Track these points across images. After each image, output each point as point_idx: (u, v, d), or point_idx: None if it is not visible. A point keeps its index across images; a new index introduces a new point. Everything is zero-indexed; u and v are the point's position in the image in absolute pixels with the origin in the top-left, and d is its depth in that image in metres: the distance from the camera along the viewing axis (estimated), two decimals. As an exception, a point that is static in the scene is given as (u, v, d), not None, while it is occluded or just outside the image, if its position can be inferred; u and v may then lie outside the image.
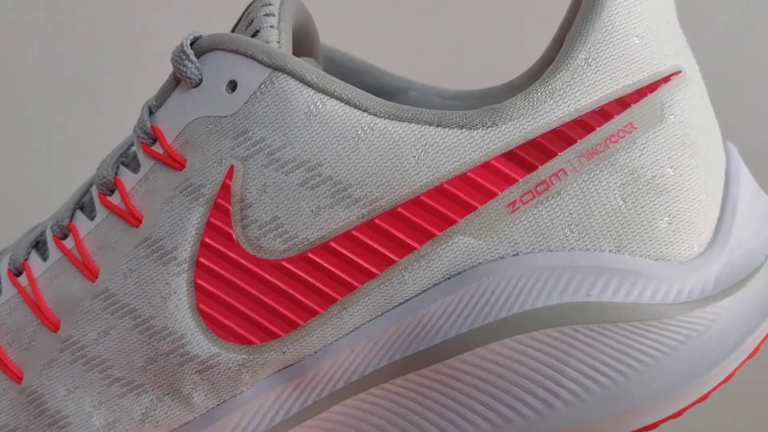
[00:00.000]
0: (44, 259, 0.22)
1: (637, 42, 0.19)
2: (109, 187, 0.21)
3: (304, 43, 0.24)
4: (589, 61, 0.19)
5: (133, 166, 0.21)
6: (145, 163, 0.21)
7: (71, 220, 0.22)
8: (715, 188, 0.20)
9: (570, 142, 0.19)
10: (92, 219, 0.22)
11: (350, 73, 0.27)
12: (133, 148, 0.22)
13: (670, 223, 0.19)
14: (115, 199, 0.21)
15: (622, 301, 0.18)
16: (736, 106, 0.37)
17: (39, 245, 0.23)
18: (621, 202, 0.19)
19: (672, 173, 0.19)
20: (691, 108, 0.20)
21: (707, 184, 0.20)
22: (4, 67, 0.40)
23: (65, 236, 0.22)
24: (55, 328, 0.21)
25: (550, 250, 0.19)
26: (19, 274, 0.22)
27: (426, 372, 0.19)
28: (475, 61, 0.39)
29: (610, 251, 0.19)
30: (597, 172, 0.19)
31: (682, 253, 0.19)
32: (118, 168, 0.22)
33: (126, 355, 0.20)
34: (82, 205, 0.22)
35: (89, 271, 0.20)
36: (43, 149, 0.41)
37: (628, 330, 0.18)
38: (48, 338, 0.21)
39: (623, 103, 0.19)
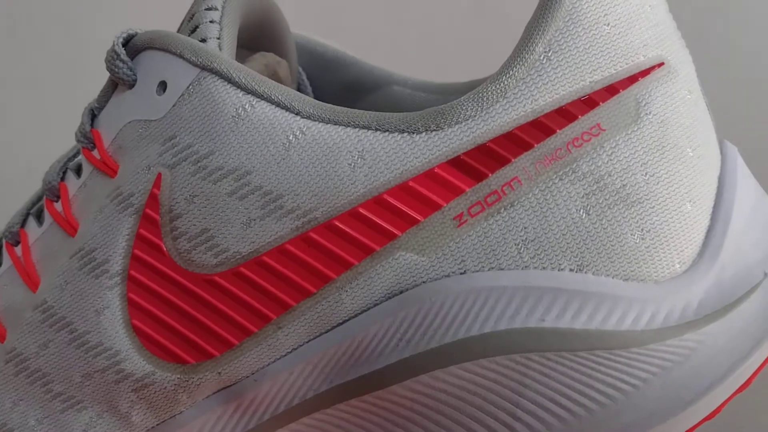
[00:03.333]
0: (-1, 266, 0.21)
1: (609, 31, 0.17)
2: (55, 192, 0.21)
3: (265, 36, 0.22)
4: (549, 54, 0.17)
5: (79, 171, 0.20)
6: (86, 168, 0.20)
7: (22, 226, 0.21)
8: (704, 196, 0.17)
9: (525, 147, 0.17)
10: (40, 225, 0.21)
11: (329, 65, 0.25)
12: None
13: (642, 238, 0.17)
14: (59, 206, 0.20)
15: (583, 327, 0.16)
16: (738, 101, 0.33)
17: (-2, 251, 0.22)
18: (584, 214, 0.17)
19: (646, 181, 0.17)
20: (674, 105, 0.17)
21: (692, 192, 0.17)
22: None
23: (17, 243, 0.21)
24: (2, 338, 0.20)
25: (501, 269, 0.17)
26: (-28, 280, 0.22)
27: (369, 398, 0.18)
28: (467, 51, 0.37)
29: (570, 270, 0.17)
30: (556, 181, 0.17)
31: (659, 272, 0.17)
32: (65, 173, 0.21)
33: (65, 370, 0.19)
34: (37, 211, 0.22)
35: (31, 281, 0.20)
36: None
37: (590, 360, 0.16)
38: (-6, 349, 0.20)
39: (590, 101, 0.17)
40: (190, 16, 0.19)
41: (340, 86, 0.25)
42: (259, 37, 0.22)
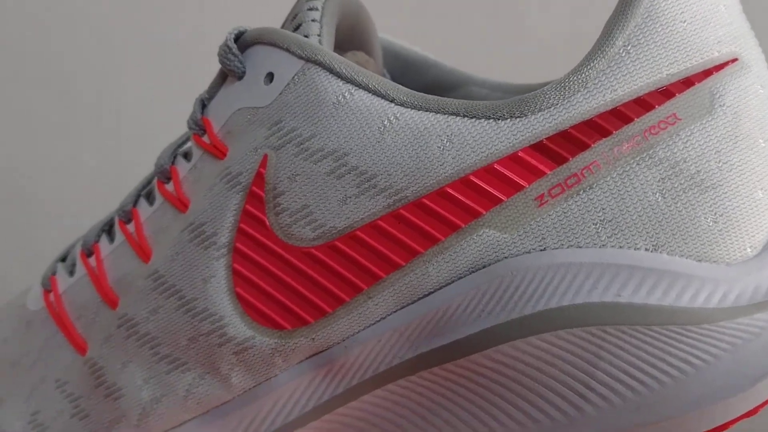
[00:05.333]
0: (111, 241, 0.24)
1: (685, 27, 0.18)
2: (166, 175, 0.23)
3: (356, 37, 0.24)
4: (628, 48, 0.18)
5: (188, 156, 0.23)
6: (196, 152, 0.22)
7: (134, 206, 0.24)
8: (777, 185, 0.18)
9: (604, 133, 0.18)
10: (151, 205, 0.23)
11: (412, 66, 0.27)
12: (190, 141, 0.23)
13: (715, 222, 0.18)
14: (170, 186, 0.22)
15: (657, 303, 0.17)
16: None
17: (109, 229, 0.25)
18: (660, 197, 0.18)
19: (719, 168, 0.18)
20: (746, 98, 0.18)
21: (764, 181, 0.18)
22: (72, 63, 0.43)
23: (129, 221, 0.23)
24: (114, 305, 0.22)
25: (580, 247, 0.18)
26: (90, 255, 0.24)
27: (451, 366, 0.19)
28: (542, 52, 0.38)
29: (646, 249, 0.18)
30: (633, 166, 0.18)
31: (730, 254, 0.18)
32: (175, 158, 0.23)
33: (172, 333, 0.21)
34: (147, 192, 0.24)
35: (143, 253, 0.22)
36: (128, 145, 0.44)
37: (663, 334, 0.17)
38: (108, 315, 0.22)
39: (666, 92, 0.18)
40: (294, 15, 0.21)
41: (421, 86, 0.26)
42: (350, 38, 0.24)
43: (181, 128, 0.24)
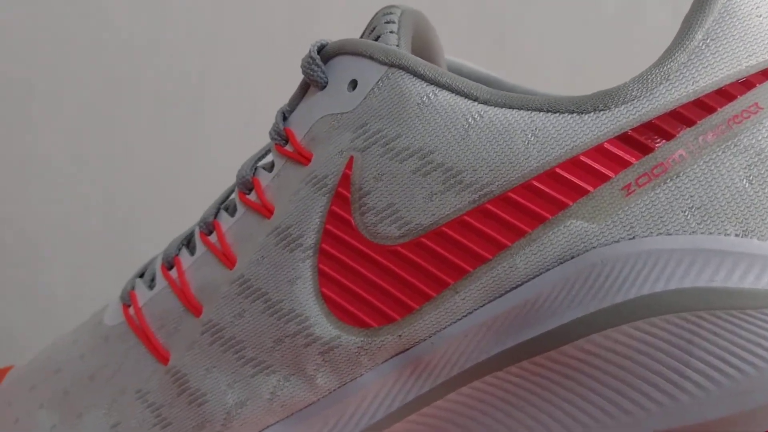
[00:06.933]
0: (192, 253, 0.24)
1: (761, 22, 0.19)
2: (248, 186, 0.23)
3: (424, 55, 0.25)
4: (708, 41, 0.18)
5: (268, 166, 0.23)
6: (278, 162, 0.23)
7: (215, 218, 0.24)
8: None
9: (689, 123, 0.18)
10: (233, 216, 0.24)
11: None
12: (269, 154, 0.24)
13: (805, 206, 0.18)
14: (252, 196, 0.23)
15: (751, 287, 0.17)
16: None
17: (189, 243, 0.25)
18: (747, 184, 0.18)
19: (805, 153, 0.18)
20: (826, 86, 0.18)
21: None
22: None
23: (210, 232, 0.24)
24: (198, 313, 0.23)
25: (669, 234, 0.18)
26: (170, 267, 0.25)
27: (540, 360, 0.19)
28: (604, 67, 0.39)
29: (736, 235, 0.18)
30: (719, 154, 0.18)
31: (823, 239, 0.18)
32: (255, 169, 0.24)
33: (257, 336, 0.21)
34: (226, 205, 0.25)
35: (228, 260, 0.22)
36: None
37: (758, 318, 0.17)
38: (191, 322, 0.23)
39: (747, 83, 0.18)
40: (372, 27, 0.22)
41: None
42: (420, 55, 0.25)
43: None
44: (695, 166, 0.18)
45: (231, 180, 0.25)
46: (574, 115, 0.19)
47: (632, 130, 0.18)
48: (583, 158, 0.18)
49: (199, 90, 0.45)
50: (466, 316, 0.20)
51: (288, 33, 0.41)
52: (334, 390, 0.21)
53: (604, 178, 0.18)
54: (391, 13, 0.22)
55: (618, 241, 0.18)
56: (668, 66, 0.18)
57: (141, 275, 0.26)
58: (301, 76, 0.23)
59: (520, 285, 0.19)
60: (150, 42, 0.44)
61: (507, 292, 0.19)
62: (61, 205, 0.45)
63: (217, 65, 0.44)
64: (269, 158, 0.24)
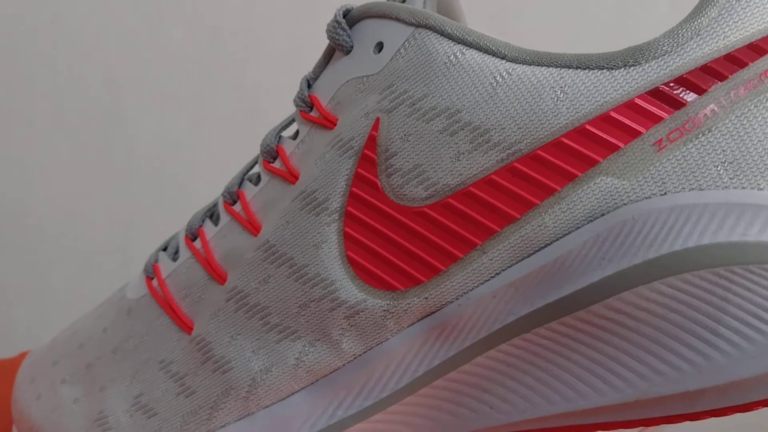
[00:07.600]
0: (216, 224, 0.24)
1: (794, -26, 0.18)
2: (272, 154, 0.23)
3: (449, 17, 0.25)
4: (739, -5, 0.18)
5: (293, 135, 0.23)
6: (303, 128, 0.23)
7: (239, 187, 0.24)
8: None
9: (720, 78, 0.18)
10: (256, 184, 0.24)
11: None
12: (294, 122, 0.24)
13: (840, 160, 0.17)
14: (276, 164, 0.23)
15: (786, 241, 0.17)
16: None
17: (212, 215, 0.25)
18: (781, 138, 0.18)
19: (841, 107, 0.18)
20: None
21: None
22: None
23: (234, 202, 0.24)
24: (222, 280, 0.23)
25: (702, 189, 0.18)
26: (194, 239, 0.25)
27: (569, 320, 0.19)
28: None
29: (769, 190, 0.17)
30: (751, 108, 0.18)
31: None
32: (280, 138, 0.24)
33: (282, 302, 0.21)
34: (250, 176, 0.25)
35: (253, 227, 0.22)
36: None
37: (794, 273, 0.17)
38: (216, 290, 0.23)
39: (780, 37, 0.18)
40: (398, -7, 0.22)
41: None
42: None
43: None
44: (727, 121, 0.18)
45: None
46: (604, 71, 0.18)
47: (663, 85, 0.18)
48: (613, 114, 0.18)
49: (199, 90, 0.45)
50: (494, 276, 0.19)
51: (288, 33, 0.40)
52: (360, 355, 0.21)
53: (635, 134, 0.18)
54: (416, -22, 0.22)
55: (649, 197, 0.18)
56: (699, 21, 0.18)
57: (164, 249, 0.26)
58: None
59: (549, 244, 0.19)
60: (150, 42, 0.44)
61: (536, 251, 0.19)
62: (61, 205, 0.45)
63: (217, 65, 0.44)
64: (293, 128, 0.24)
